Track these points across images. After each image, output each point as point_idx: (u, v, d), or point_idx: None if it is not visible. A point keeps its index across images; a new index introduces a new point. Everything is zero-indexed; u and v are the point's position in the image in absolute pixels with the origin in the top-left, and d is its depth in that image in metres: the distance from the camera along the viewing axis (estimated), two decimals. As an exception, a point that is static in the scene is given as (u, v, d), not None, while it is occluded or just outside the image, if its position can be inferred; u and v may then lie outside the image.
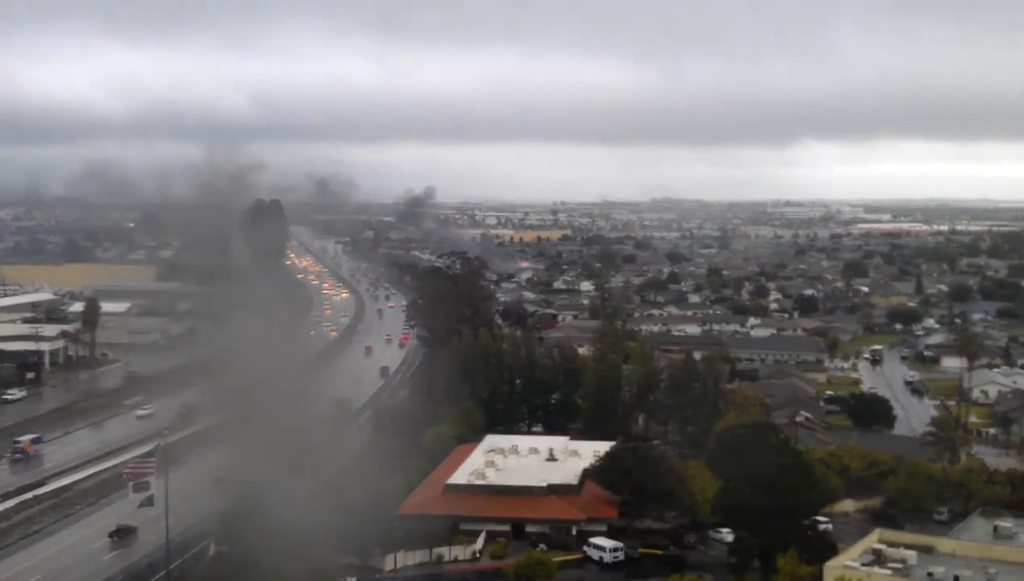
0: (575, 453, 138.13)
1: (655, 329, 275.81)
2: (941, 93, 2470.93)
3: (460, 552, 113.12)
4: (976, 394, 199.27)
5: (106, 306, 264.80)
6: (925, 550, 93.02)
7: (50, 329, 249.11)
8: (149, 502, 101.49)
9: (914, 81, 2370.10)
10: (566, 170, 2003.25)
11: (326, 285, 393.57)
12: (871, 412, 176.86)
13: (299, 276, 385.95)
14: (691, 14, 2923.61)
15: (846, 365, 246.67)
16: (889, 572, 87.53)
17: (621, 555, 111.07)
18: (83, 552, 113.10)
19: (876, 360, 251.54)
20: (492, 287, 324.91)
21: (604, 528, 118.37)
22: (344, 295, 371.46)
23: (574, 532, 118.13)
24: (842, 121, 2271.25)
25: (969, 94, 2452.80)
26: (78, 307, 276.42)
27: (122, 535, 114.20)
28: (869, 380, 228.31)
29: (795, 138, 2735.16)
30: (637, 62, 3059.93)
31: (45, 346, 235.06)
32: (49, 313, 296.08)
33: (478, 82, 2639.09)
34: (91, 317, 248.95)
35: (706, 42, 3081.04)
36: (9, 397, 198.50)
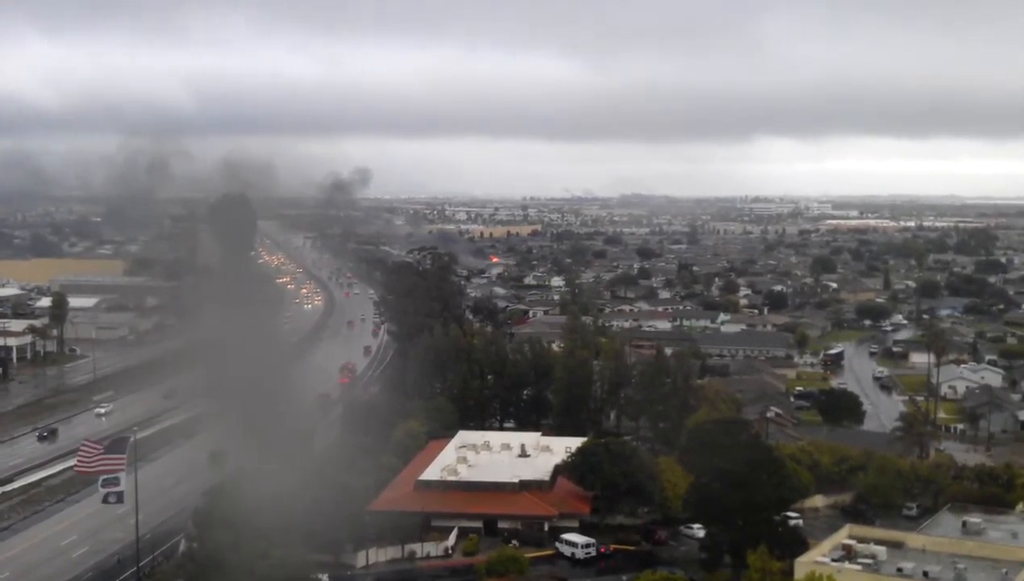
0: (547, 449, 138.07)
1: (626, 325, 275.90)
2: (890, 90, 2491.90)
3: (432, 548, 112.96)
4: (944, 390, 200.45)
5: (74, 301, 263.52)
6: (895, 546, 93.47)
7: (17, 324, 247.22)
8: (119, 499, 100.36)
9: (860, 77, 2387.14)
10: (515, 165, 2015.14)
11: (304, 289, 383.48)
12: (840, 408, 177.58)
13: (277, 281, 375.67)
14: (621, 12, 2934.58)
15: (815, 361, 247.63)
16: (859, 568, 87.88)
17: (593, 551, 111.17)
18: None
19: (829, 363, 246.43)
20: (462, 282, 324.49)
21: (576, 524, 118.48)
22: (317, 302, 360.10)
23: (546, 528, 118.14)
24: (794, 117, 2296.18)
25: (919, 91, 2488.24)
26: (45, 302, 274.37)
27: (217, 459, 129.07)
28: (838, 376, 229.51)
29: (748, 135, 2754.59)
30: (569, 58, 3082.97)
31: (12, 342, 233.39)
32: (16, 308, 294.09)
33: (423, 77, 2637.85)
34: (58, 312, 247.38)
35: (640, 39, 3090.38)
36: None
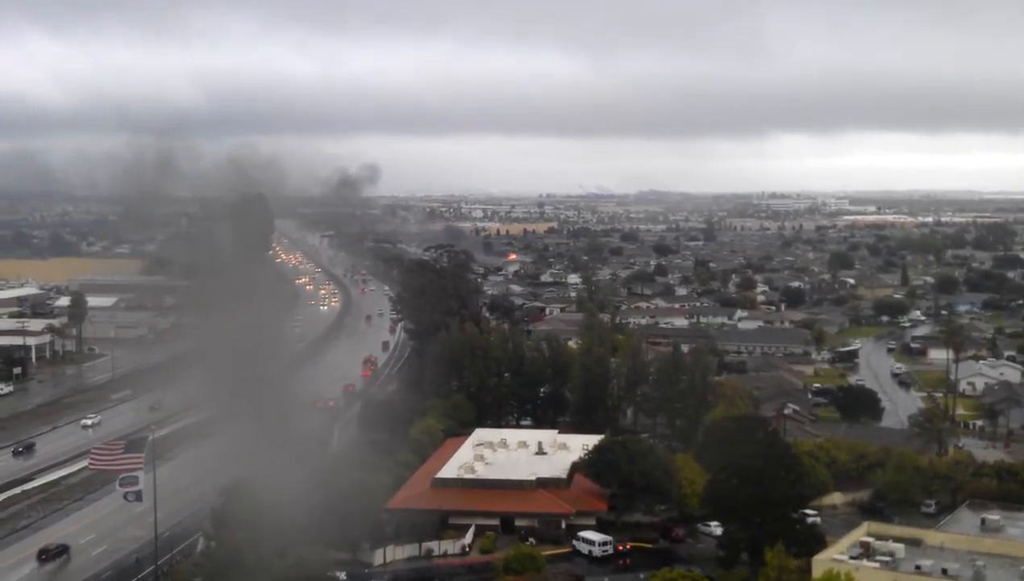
0: (564, 446, 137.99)
1: (643, 322, 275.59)
2: (902, 84, 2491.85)
3: (449, 546, 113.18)
4: (963, 386, 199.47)
5: (92, 300, 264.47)
6: (913, 543, 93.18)
7: (36, 324, 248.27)
8: (137, 497, 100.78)
9: (870, 72, 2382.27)
10: (529, 162, 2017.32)
11: (323, 291, 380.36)
12: (858, 404, 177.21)
13: (296, 281, 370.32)
14: (623, 8, 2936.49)
15: (832, 357, 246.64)
16: (877, 565, 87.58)
17: (610, 549, 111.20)
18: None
19: (837, 360, 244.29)
20: (479, 280, 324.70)
21: (593, 522, 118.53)
22: (334, 303, 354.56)
23: (563, 526, 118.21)
24: (806, 113, 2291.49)
25: (932, 85, 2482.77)
26: (64, 302, 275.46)
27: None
28: (854, 372, 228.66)
29: (761, 130, 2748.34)
30: (574, 54, 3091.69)
31: (31, 341, 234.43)
32: (35, 308, 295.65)
33: (427, 74, 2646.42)
34: (77, 312, 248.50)
35: (643, 35, 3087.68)
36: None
